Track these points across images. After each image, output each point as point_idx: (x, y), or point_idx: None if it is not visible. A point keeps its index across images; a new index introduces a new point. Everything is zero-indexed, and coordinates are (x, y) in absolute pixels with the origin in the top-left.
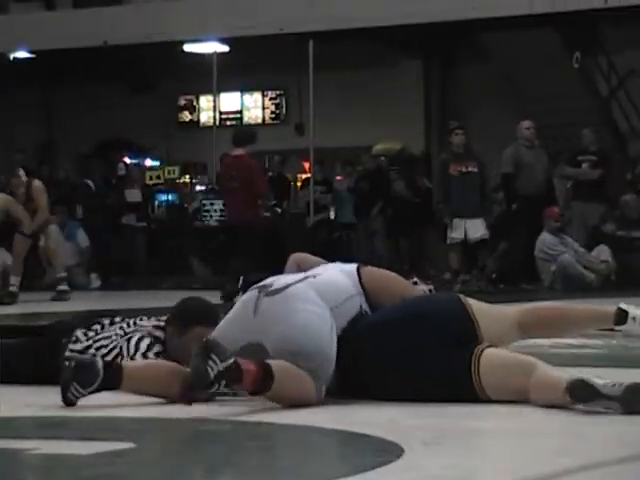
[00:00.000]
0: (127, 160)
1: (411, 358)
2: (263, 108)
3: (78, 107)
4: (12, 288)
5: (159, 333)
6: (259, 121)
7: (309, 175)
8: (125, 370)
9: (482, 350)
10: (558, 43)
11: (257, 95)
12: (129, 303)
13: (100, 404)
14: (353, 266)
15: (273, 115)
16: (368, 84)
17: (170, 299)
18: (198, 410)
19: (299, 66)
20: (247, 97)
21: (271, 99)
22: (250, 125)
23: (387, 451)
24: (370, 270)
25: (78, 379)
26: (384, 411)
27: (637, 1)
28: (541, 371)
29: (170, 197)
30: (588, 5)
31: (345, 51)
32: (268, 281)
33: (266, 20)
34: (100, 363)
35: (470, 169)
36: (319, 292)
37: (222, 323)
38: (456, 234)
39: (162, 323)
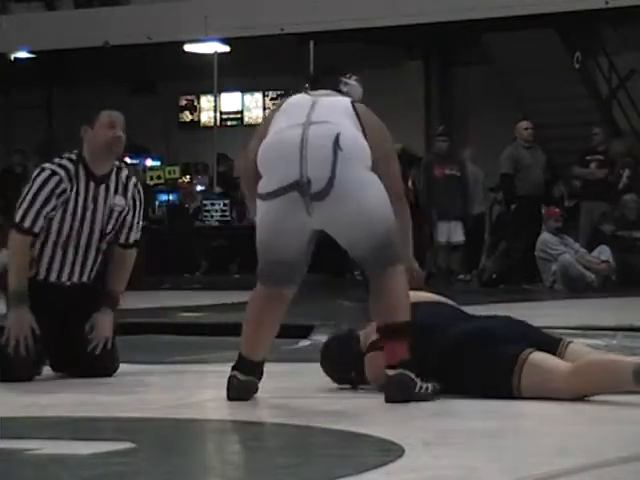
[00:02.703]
0: (127, 160)
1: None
2: (264, 108)
3: (78, 107)
4: None
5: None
6: (260, 121)
7: None
8: None
9: (529, 354)
10: (559, 43)
11: (258, 95)
12: (129, 303)
13: (100, 404)
14: (348, 104)
15: None
16: (368, 85)
17: (170, 299)
18: (198, 410)
19: (300, 66)
20: (248, 97)
21: (272, 99)
22: (251, 125)
23: (387, 451)
24: (365, 112)
25: None
26: (384, 411)
27: (637, 1)
28: (601, 358)
29: (171, 197)
30: (588, 5)
31: (345, 51)
32: (300, 179)
33: (267, 20)
34: None
35: (453, 172)
36: (356, 160)
37: (266, 233)
38: (440, 237)
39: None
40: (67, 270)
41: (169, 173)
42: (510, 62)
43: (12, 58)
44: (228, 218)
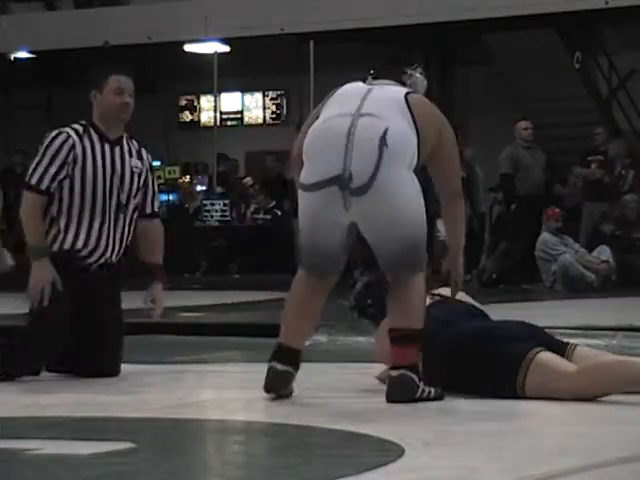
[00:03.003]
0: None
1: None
2: (264, 108)
3: (78, 107)
4: None
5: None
6: (260, 121)
7: None
8: None
9: (537, 353)
10: (559, 43)
11: (258, 95)
12: (129, 303)
13: (100, 404)
14: (401, 97)
15: (274, 115)
16: None
17: (170, 299)
18: (198, 410)
19: (300, 66)
20: (248, 97)
21: (272, 99)
22: (251, 125)
23: (387, 451)
24: (419, 102)
25: None
26: (384, 411)
27: (637, 1)
28: (608, 360)
29: (171, 197)
30: (588, 5)
31: (346, 51)
32: (343, 173)
33: (267, 20)
34: None
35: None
36: (400, 158)
37: (307, 225)
38: (443, 234)
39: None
40: (92, 243)
41: (169, 173)
42: (510, 62)
43: (12, 58)
44: (228, 218)
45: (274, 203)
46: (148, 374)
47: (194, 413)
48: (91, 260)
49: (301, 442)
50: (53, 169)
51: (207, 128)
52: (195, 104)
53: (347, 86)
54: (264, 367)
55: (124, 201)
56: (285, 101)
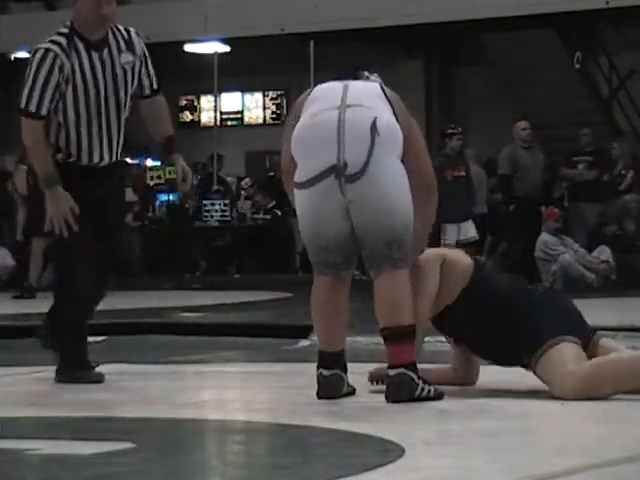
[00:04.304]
0: (128, 160)
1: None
2: (264, 108)
3: None
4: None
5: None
6: (260, 121)
7: None
8: None
9: (561, 342)
10: (559, 44)
11: (258, 95)
12: (129, 303)
13: (100, 404)
14: (378, 88)
15: (274, 115)
16: None
17: (170, 299)
18: (198, 410)
19: (300, 66)
20: (248, 97)
21: (272, 99)
22: (251, 125)
23: (388, 451)
24: (394, 96)
25: None
26: (384, 411)
27: (637, 1)
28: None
29: (171, 197)
30: (589, 5)
31: (346, 51)
32: (337, 162)
33: (267, 20)
34: None
35: (461, 173)
36: (391, 146)
37: (310, 222)
38: (449, 238)
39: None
40: (97, 150)
41: (169, 173)
42: (510, 62)
43: (12, 58)
44: (228, 218)
45: (274, 203)
46: (148, 374)
47: (194, 413)
48: (92, 164)
49: (301, 442)
50: (49, 92)
51: (207, 128)
52: (195, 104)
53: (320, 86)
54: (264, 367)
55: (120, 101)
56: (285, 101)
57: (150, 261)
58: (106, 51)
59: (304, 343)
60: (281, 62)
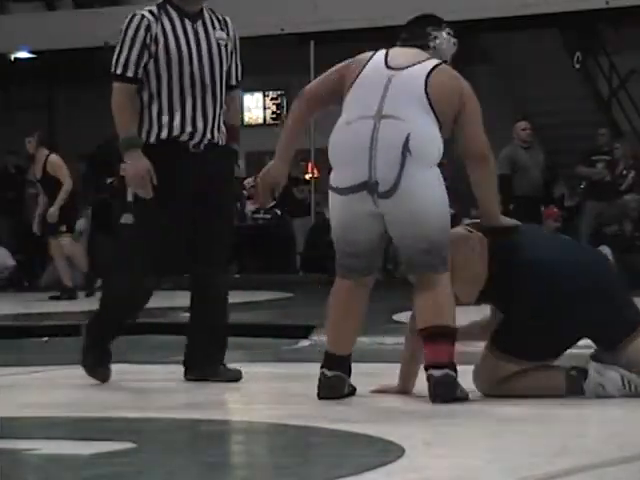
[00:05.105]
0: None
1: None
2: (264, 108)
3: (79, 107)
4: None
5: None
6: (260, 121)
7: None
8: None
9: None
10: (559, 43)
11: (258, 95)
12: None
13: (100, 404)
14: (421, 87)
15: (274, 115)
16: None
17: (170, 299)
18: (198, 410)
19: (300, 66)
20: (248, 97)
21: (272, 99)
22: (251, 125)
23: (388, 451)
24: (437, 83)
25: None
26: (384, 411)
27: (638, 1)
28: None
29: None
30: (589, 5)
31: (346, 51)
32: (369, 180)
33: (267, 20)
34: None
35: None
36: (423, 160)
37: (340, 227)
38: None
39: None
40: (189, 122)
41: None
42: (510, 62)
43: (12, 58)
44: None
45: (274, 203)
46: (148, 374)
47: (194, 413)
48: (193, 143)
49: (301, 442)
50: (135, 53)
51: None
52: None
53: (370, 69)
54: (264, 367)
55: (214, 76)
56: (285, 101)
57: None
58: (200, 22)
59: (304, 343)
60: (281, 62)
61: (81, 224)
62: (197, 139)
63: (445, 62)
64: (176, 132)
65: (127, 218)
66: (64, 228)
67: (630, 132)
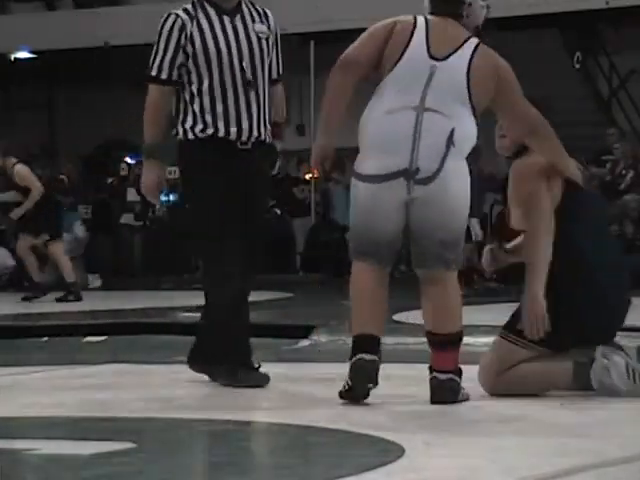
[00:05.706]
0: (128, 160)
1: None
2: None
3: (79, 107)
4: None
5: None
6: None
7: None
8: None
9: None
10: (559, 43)
11: None
12: (129, 303)
13: (100, 404)
14: (463, 80)
15: None
16: (369, 84)
17: (170, 299)
18: (198, 410)
19: (300, 67)
20: None
21: None
22: None
23: (388, 451)
24: (478, 74)
25: None
26: (384, 411)
27: (638, 1)
28: None
29: (171, 197)
30: (589, 5)
31: None
32: (410, 167)
33: None
34: None
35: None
36: (462, 152)
37: (365, 214)
38: (478, 233)
39: None
40: (234, 119)
41: (169, 173)
42: (510, 62)
43: (12, 58)
44: None
45: (274, 202)
46: (148, 374)
47: (194, 413)
48: (240, 141)
49: (301, 442)
50: (169, 55)
51: None
52: None
53: (411, 53)
54: (264, 367)
55: (255, 72)
56: (285, 101)
57: (150, 261)
58: (239, 17)
59: (304, 343)
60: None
61: (80, 230)
62: (244, 138)
63: (477, 28)
64: (221, 133)
65: (127, 218)
66: (47, 237)
67: (630, 132)
